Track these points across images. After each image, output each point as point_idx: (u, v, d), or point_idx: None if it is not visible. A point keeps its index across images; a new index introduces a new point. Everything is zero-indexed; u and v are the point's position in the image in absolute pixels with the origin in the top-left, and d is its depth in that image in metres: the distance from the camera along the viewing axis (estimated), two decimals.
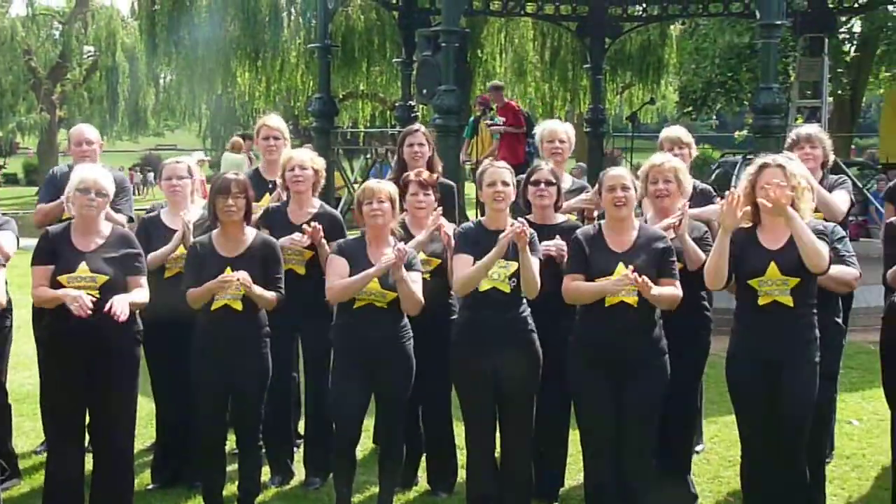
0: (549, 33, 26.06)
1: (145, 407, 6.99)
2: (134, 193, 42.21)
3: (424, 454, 6.61)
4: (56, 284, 5.49)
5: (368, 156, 17.14)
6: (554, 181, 6.05)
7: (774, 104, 10.44)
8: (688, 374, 5.92)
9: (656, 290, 5.29)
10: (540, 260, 5.60)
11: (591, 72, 18.04)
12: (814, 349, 5.38)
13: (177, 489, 6.50)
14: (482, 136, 15.74)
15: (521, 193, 6.11)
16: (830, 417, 6.49)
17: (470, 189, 12.65)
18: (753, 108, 11.30)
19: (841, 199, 6.40)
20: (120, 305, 5.34)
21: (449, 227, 6.01)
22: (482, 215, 6.07)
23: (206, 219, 6.21)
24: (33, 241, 5.74)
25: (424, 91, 12.46)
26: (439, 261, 6.05)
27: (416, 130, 7.02)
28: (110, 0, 39.42)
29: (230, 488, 6.15)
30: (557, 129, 6.85)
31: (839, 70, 21.19)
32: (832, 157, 6.67)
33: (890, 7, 19.78)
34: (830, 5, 16.17)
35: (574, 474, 6.40)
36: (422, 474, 6.61)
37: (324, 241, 6.31)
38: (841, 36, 21.91)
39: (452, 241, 5.89)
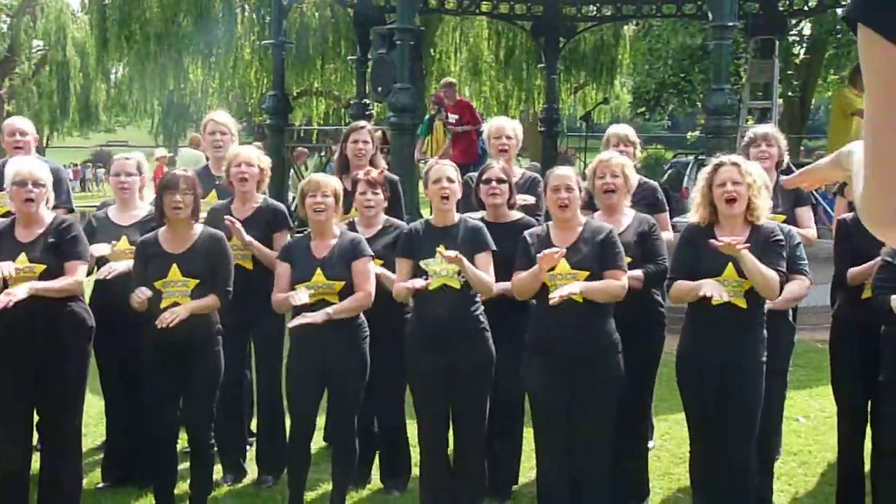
0: (504, 32, 26.14)
1: (96, 405, 6.97)
2: (85, 190, 41.73)
3: (378, 452, 6.62)
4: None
5: (322, 153, 17.11)
6: (506, 179, 6.08)
7: (726, 105, 10.55)
8: (641, 370, 5.96)
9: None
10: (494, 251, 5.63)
11: (546, 71, 18.11)
12: (762, 349, 5.45)
13: (127, 488, 6.46)
14: (437, 134, 15.74)
15: (473, 192, 6.14)
16: (779, 415, 6.56)
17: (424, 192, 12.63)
18: (705, 109, 11.40)
19: (808, 219, 6.59)
20: (17, 292, 5.30)
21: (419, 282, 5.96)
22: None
23: (151, 215, 6.18)
24: None
25: (379, 89, 12.47)
26: (382, 262, 6.03)
27: (362, 127, 7.03)
28: None
29: (182, 487, 6.12)
30: (504, 126, 6.88)
31: (789, 72, 21.42)
32: (786, 159, 6.77)
33: (839, 11, 19.99)
34: (781, 8, 16.33)
35: (527, 471, 6.43)
36: (375, 472, 6.62)
37: (254, 241, 6.33)
38: (791, 39, 22.14)
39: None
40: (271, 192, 7.07)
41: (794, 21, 19.42)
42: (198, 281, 5.72)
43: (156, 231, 5.92)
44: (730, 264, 5.32)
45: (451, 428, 5.85)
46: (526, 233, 5.70)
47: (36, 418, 5.83)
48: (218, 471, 6.45)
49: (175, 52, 26.11)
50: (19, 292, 5.30)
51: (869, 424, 5.91)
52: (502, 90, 28.33)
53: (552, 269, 5.37)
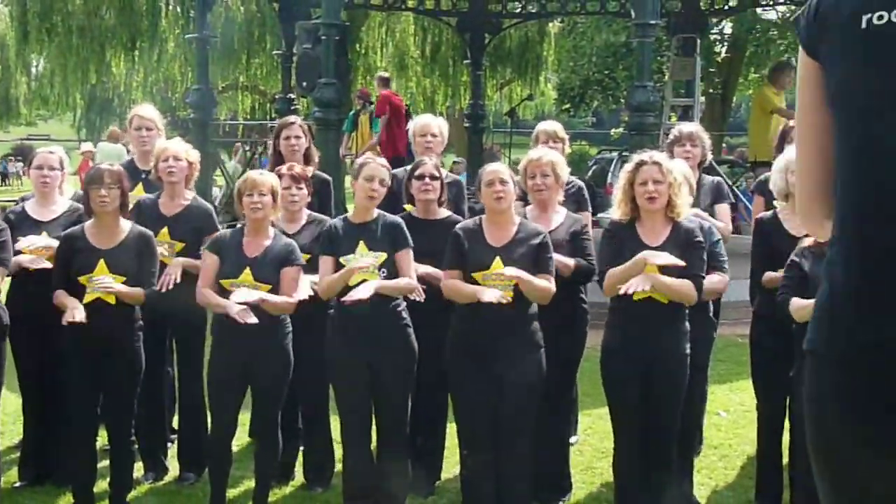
0: (430, 28, 26.14)
1: (13, 403, 6.86)
2: (5, 184, 40.95)
3: (301, 448, 6.60)
4: None
5: (248, 148, 17.00)
6: (438, 175, 6.09)
7: (649, 102, 10.66)
8: (564, 366, 6.01)
9: (527, 278, 5.37)
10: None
11: (471, 67, 18.15)
12: (684, 343, 5.54)
13: (46, 487, 6.36)
14: (362, 129, 15.74)
15: (404, 187, 6.14)
16: (701, 409, 6.65)
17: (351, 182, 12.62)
18: (628, 106, 11.51)
19: (726, 216, 6.74)
20: None
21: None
22: None
23: (75, 210, 6.10)
24: None
25: (304, 84, 12.41)
26: (309, 255, 6.01)
27: (293, 123, 7.00)
28: None
29: (101, 485, 6.04)
30: (430, 124, 6.88)
31: (711, 70, 21.72)
32: (709, 157, 6.88)
33: (759, 10, 20.31)
34: (703, 7, 16.54)
35: (451, 466, 6.45)
36: (298, 468, 6.60)
37: (185, 261, 6.28)
38: (713, 37, 22.44)
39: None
40: (197, 187, 7.00)
41: (715, 20, 19.70)
42: (124, 278, 5.66)
43: (81, 225, 5.84)
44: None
45: (374, 423, 5.86)
46: (458, 227, 5.72)
47: None
48: (139, 468, 6.38)
49: (98, 46, 25.72)
50: None
51: (787, 418, 6.01)
52: (428, 86, 28.34)
53: (486, 267, 5.40)
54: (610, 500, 6.11)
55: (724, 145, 25.74)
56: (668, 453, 5.60)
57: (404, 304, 5.69)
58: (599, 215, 8.11)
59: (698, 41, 15.68)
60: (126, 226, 5.84)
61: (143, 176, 6.81)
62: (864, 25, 2.27)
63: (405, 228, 5.69)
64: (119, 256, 5.69)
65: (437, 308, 5.75)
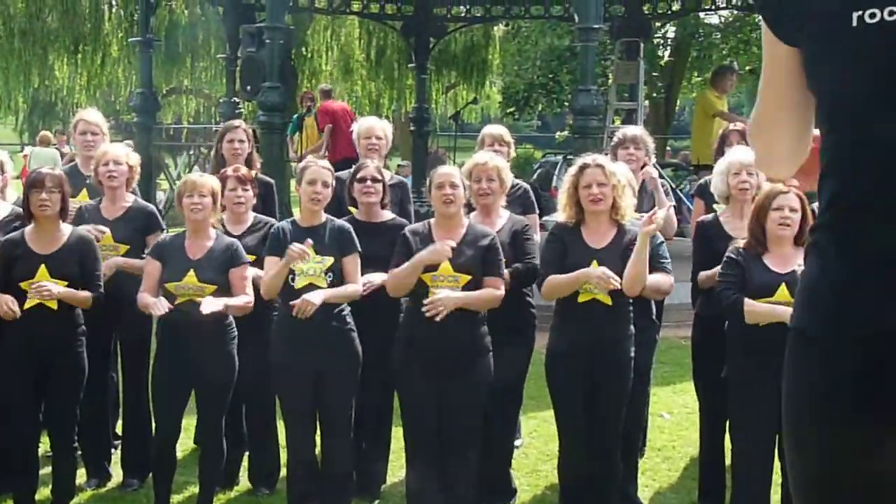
0: (375, 32, 26.10)
1: None
2: None
3: (247, 453, 6.58)
4: None
5: (192, 152, 16.90)
6: (380, 178, 6.10)
7: (592, 106, 10.72)
8: (511, 370, 6.03)
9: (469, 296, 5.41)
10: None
11: (416, 71, 18.16)
12: (629, 345, 5.59)
13: None
14: (307, 132, 15.72)
15: (346, 190, 6.15)
16: (644, 411, 6.70)
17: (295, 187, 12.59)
18: (573, 110, 11.58)
19: (669, 215, 6.73)
20: None
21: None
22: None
23: (13, 215, 6.04)
24: None
25: (249, 87, 12.35)
26: (254, 257, 5.99)
27: (237, 126, 7.01)
28: None
29: (43, 492, 5.99)
30: (374, 126, 6.90)
31: (654, 74, 21.89)
32: (653, 160, 6.95)
33: (702, 14, 20.51)
34: (646, 11, 16.67)
35: (396, 471, 6.45)
36: (243, 473, 6.57)
37: (126, 261, 6.25)
38: (656, 41, 22.62)
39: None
40: (139, 191, 6.96)
41: (658, 24, 19.86)
42: (66, 283, 5.61)
43: (21, 230, 5.78)
44: (594, 262, 5.44)
45: (318, 428, 5.85)
46: (407, 229, 5.75)
47: None
48: (81, 474, 6.32)
49: (40, 49, 25.39)
50: None
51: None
52: (373, 89, 28.29)
53: (434, 268, 5.42)
54: (555, 503, 6.14)
55: (667, 148, 25.97)
56: (612, 455, 5.64)
57: (349, 308, 5.69)
58: (545, 218, 8.15)
59: (642, 45, 15.80)
60: (67, 230, 5.79)
61: (88, 180, 6.77)
62: (854, 23, 2.20)
63: (353, 234, 5.70)
64: (60, 261, 5.64)
65: (382, 312, 5.77)
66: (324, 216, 5.75)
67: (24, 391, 5.67)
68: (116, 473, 6.62)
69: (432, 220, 5.72)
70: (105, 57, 25.96)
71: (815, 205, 3.97)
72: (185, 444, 6.50)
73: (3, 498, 6.14)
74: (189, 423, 6.15)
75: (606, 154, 6.55)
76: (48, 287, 5.54)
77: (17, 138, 45.87)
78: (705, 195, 6.75)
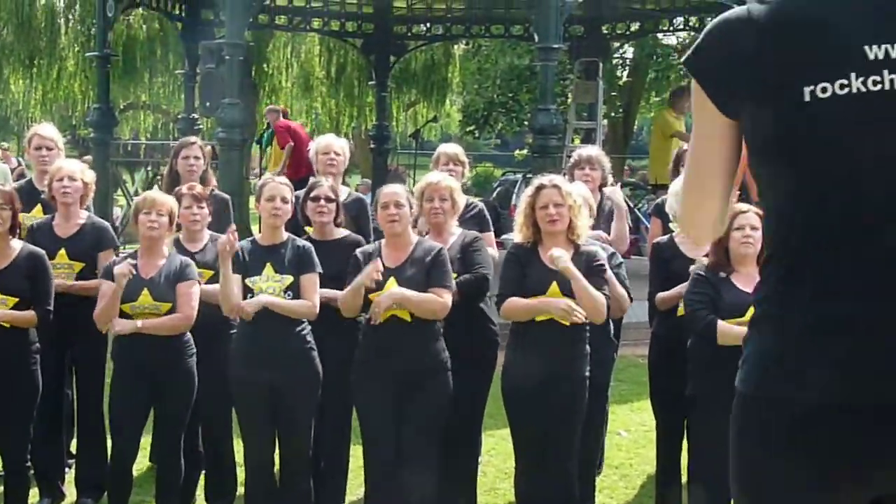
0: (336, 49, 26.04)
1: None
2: None
3: (203, 471, 6.53)
4: None
5: (149, 168, 16.79)
6: (333, 197, 6.11)
7: (552, 125, 10.79)
8: (472, 388, 6.03)
9: (410, 295, 5.42)
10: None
11: (377, 89, 18.16)
12: (584, 364, 5.61)
13: None
14: (277, 147, 15.78)
15: (300, 208, 6.14)
16: (601, 429, 6.72)
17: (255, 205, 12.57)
18: (532, 129, 11.62)
19: (623, 230, 6.83)
20: None
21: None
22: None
23: None
24: None
25: (208, 104, 12.31)
26: (211, 272, 5.97)
27: (192, 143, 7.00)
28: None
29: None
30: (332, 143, 6.91)
31: (613, 94, 21.97)
32: (610, 179, 6.99)
33: (660, 35, 20.66)
34: (605, 32, 16.78)
35: (355, 489, 6.43)
36: (200, 491, 6.52)
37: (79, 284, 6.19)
38: (615, 61, 22.72)
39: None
40: (96, 207, 6.91)
41: (617, 44, 19.98)
42: (17, 300, 5.57)
43: None
44: (554, 283, 5.46)
45: (277, 446, 5.82)
46: (358, 251, 5.75)
47: None
48: (34, 494, 6.25)
49: None
50: None
51: (686, 438, 6.11)
52: (333, 106, 28.22)
53: (381, 288, 5.42)
54: None
55: (626, 168, 26.05)
56: (569, 473, 5.65)
57: (309, 326, 5.68)
58: (503, 237, 8.17)
59: (601, 65, 15.91)
60: (17, 246, 5.75)
61: (42, 197, 6.71)
62: (807, 98, 2.17)
63: (314, 254, 5.69)
64: (10, 277, 5.60)
65: (341, 330, 5.76)
66: (285, 235, 5.75)
67: None
68: (70, 493, 6.54)
69: (383, 241, 5.73)
70: (61, 71, 25.76)
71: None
72: (140, 462, 6.44)
73: None
74: (146, 442, 6.10)
75: (564, 175, 6.59)
76: None
77: None
78: (662, 214, 6.80)
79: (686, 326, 5.67)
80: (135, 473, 6.05)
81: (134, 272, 5.47)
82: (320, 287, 5.73)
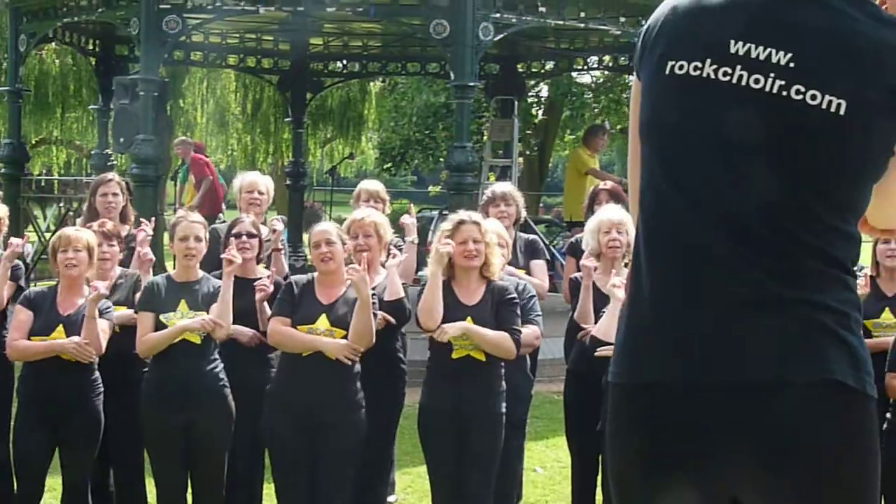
0: (251, 86, 25.96)
1: None
2: None
3: None
4: None
5: (62, 204, 16.55)
6: (256, 233, 6.09)
7: (467, 162, 10.85)
8: (382, 425, 6.02)
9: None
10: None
11: (293, 125, 18.12)
12: (501, 400, 5.63)
13: None
14: (192, 183, 15.70)
15: (221, 245, 6.11)
16: (518, 466, 6.74)
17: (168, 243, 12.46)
18: (448, 166, 11.68)
19: (542, 272, 6.87)
20: None
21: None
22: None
23: None
24: None
25: (122, 140, 12.19)
26: (124, 307, 5.90)
27: (110, 179, 6.94)
28: None
29: None
30: (257, 181, 6.90)
31: (528, 132, 22.20)
32: (524, 215, 7.06)
33: (574, 74, 20.93)
34: (520, 70, 16.95)
35: None
36: None
37: None
38: (530, 99, 22.97)
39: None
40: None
41: (532, 83, 20.20)
42: None
43: None
44: (469, 318, 5.49)
45: (189, 485, 5.76)
46: (292, 278, 5.76)
47: None
48: None
49: None
50: None
51: (600, 473, 6.15)
52: (249, 143, 28.11)
53: (312, 322, 5.41)
54: None
55: (541, 205, 26.32)
56: None
57: (221, 365, 5.64)
58: (419, 273, 8.20)
59: (516, 103, 16.04)
60: None
61: None
62: (667, 71, 2.35)
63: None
64: None
65: (253, 368, 5.74)
66: (200, 273, 5.72)
67: None
68: None
69: (316, 275, 5.72)
70: None
71: None
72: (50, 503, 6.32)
73: None
74: (55, 483, 5.98)
75: (479, 211, 6.63)
76: None
77: None
78: (577, 252, 6.87)
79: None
80: None
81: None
82: (237, 323, 5.70)
